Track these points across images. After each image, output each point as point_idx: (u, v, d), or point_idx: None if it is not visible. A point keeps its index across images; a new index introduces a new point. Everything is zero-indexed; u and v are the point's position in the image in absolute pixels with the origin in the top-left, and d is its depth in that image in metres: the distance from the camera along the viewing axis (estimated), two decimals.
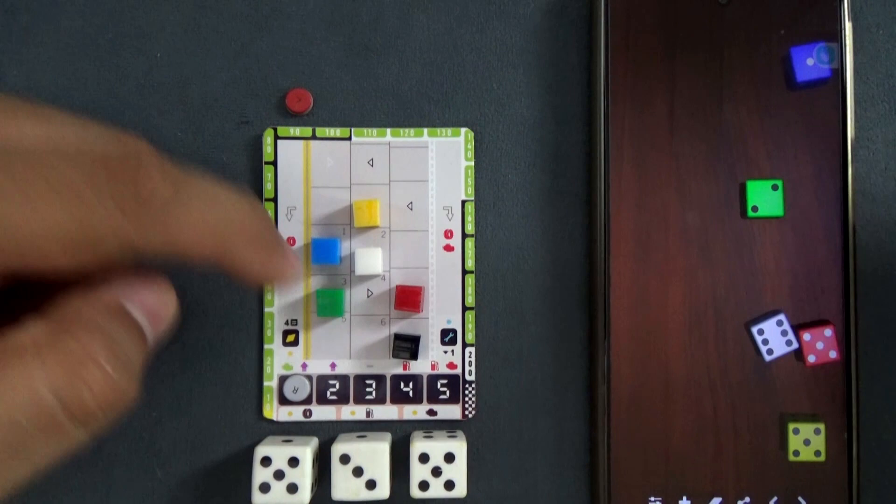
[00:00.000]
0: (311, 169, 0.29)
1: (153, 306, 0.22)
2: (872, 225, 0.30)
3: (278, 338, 0.29)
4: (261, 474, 0.27)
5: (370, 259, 0.28)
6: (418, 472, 0.27)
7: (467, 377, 0.29)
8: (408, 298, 0.28)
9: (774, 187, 0.28)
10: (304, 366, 0.29)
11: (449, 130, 0.30)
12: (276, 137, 0.29)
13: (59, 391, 0.18)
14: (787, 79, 0.29)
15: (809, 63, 0.28)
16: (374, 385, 0.29)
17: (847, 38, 0.29)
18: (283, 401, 0.29)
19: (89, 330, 0.19)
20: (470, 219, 0.30)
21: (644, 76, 0.29)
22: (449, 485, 0.27)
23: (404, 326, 0.29)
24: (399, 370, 0.29)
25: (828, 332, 0.28)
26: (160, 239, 0.19)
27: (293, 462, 0.27)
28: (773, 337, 0.28)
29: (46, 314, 0.19)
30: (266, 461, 0.27)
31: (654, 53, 0.29)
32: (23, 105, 0.21)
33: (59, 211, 0.18)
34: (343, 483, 0.27)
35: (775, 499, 0.28)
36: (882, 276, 0.30)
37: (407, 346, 0.29)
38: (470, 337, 0.29)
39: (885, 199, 0.30)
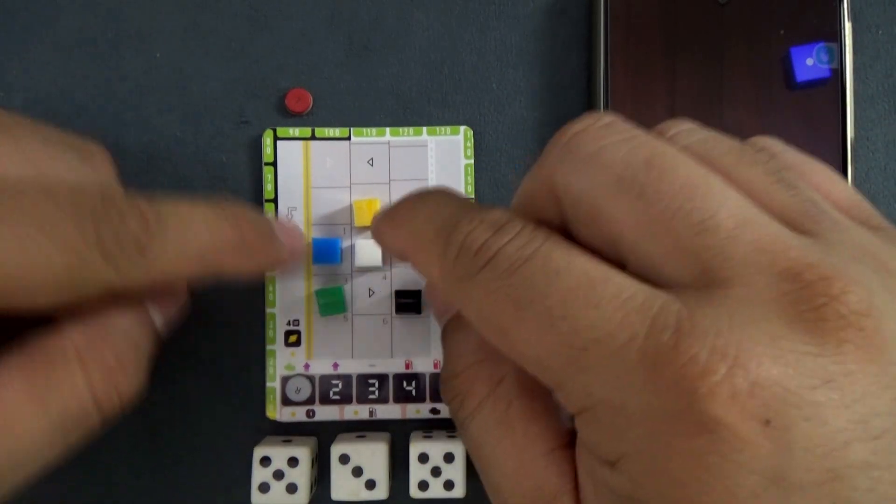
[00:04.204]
0: (311, 169, 0.29)
1: (167, 302, 0.24)
2: None
3: (280, 338, 0.29)
4: (260, 474, 0.27)
5: (371, 250, 0.28)
6: (417, 472, 0.27)
7: None
8: None
9: None
10: (307, 366, 0.29)
11: (448, 129, 0.30)
12: (276, 138, 0.29)
13: (96, 394, 0.20)
14: (787, 79, 0.29)
15: (809, 63, 0.28)
16: (376, 384, 0.29)
17: (847, 38, 0.29)
18: (287, 401, 0.29)
19: (122, 339, 0.21)
20: None
21: (644, 76, 0.29)
22: (448, 485, 0.27)
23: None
24: (402, 369, 0.29)
25: None
26: (141, 279, 0.20)
27: (292, 462, 0.27)
28: None
29: (82, 319, 0.21)
30: (265, 461, 0.27)
31: (654, 53, 0.29)
32: None
33: (49, 255, 0.18)
34: (342, 483, 0.27)
35: None
36: None
37: (409, 301, 0.29)
38: None
39: (885, 199, 0.30)
